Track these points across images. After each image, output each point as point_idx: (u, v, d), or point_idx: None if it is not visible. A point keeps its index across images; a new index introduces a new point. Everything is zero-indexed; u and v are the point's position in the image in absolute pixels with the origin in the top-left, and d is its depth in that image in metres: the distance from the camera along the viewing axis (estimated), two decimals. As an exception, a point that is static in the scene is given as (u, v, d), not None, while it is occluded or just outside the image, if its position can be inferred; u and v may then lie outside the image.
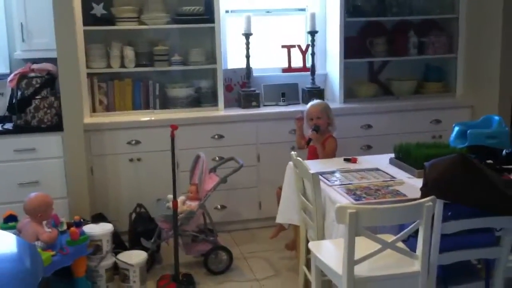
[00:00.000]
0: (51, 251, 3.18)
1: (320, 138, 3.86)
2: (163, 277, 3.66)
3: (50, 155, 4.00)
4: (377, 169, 3.33)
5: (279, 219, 3.58)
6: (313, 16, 4.69)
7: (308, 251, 2.98)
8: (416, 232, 2.44)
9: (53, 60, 3.99)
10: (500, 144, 3.24)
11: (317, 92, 4.74)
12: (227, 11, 4.78)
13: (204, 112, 4.51)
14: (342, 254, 2.38)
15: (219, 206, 4.44)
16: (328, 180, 3.12)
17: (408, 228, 2.40)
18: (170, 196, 3.62)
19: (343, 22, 4.62)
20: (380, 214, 2.39)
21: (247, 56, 4.61)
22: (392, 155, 3.47)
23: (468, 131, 3.28)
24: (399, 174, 3.22)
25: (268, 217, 4.17)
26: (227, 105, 4.60)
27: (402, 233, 2.41)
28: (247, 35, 4.57)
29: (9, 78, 4.05)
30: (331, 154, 3.85)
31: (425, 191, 2.50)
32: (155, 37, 4.53)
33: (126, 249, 3.84)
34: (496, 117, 3.45)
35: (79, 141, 4.03)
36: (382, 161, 3.48)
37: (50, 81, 4.07)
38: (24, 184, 3.95)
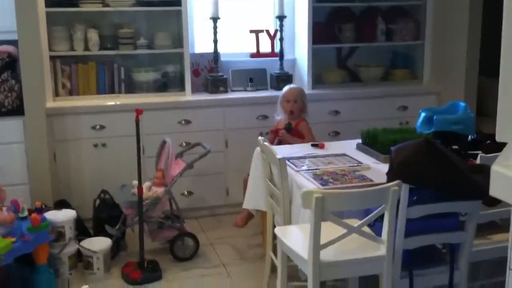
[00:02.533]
0: (11, 238, 3.09)
1: (288, 136, 3.85)
2: (128, 264, 3.60)
3: (11, 140, 3.88)
4: (344, 155, 3.32)
5: (246, 205, 3.55)
6: (281, 1, 4.65)
7: (274, 237, 2.95)
8: (382, 217, 2.44)
9: (14, 43, 3.86)
10: (465, 130, 3.26)
11: (286, 78, 4.71)
12: (194, -6, 4.71)
13: (170, 97, 4.44)
14: (308, 239, 2.36)
15: (186, 192, 4.39)
16: (295, 166, 3.10)
17: (374, 213, 2.40)
18: (135, 182, 3.56)
19: (311, 7, 4.59)
20: (346, 198, 2.38)
21: (215, 41, 4.55)
22: (360, 140, 3.47)
23: (434, 117, 3.29)
24: (366, 159, 3.22)
25: (236, 203, 4.14)
26: (194, 90, 4.54)
27: (367, 217, 2.40)
28: (215, 19, 4.50)
29: (-33, 61, 3.90)
30: (311, 137, 3.86)
31: (391, 175, 2.49)
32: (120, 20, 4.43)
33: (90, 236, 3.78)
34: (462, 103, 3.47)
35: (41, 126, 3.92)
36: (350, 146, 3.48)
37: (11, 64, 3.94)
38: (-17, 169, 3.83)
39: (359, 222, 2.41)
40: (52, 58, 4.22)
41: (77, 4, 4.21)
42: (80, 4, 4.21)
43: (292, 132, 3.90)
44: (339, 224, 2.38)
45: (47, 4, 4.09)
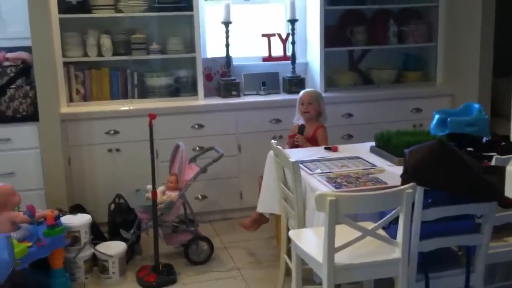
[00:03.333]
0: (28, 242, 3.12)
1: (304, 140, 3.84)
2: (143, 267, 3.62)
3: (26, 146, 3.92)
4: (358, 157, 3.31)
5: (260, 209, 3.56)
6: (293, 5, 4.66)
7: (289, 240, 2.95)
8: (396, 219, 2.43)
9: (28, 49, 3.90)
10: (479, 131, 3.23)
11: (298, 81, 4.71)
12: (206, -1, 4.73)
13: (183, 101, 4.46)
14: (322, 242, 2.35)
15: (199, 196, 4.40)
16: (309, 169, 3.10)
17: (388, 215, 2.39)
18: (149, 187, 3.57)
19: (323, 10, 4.59)
20: (360, 201, 2.38)
21: (227, 45, 4.57)
22: (373, 143, 3.45)
23: (448, 119, 3.27)
24: (380, 162, 3.21)
25: (249, 207, 4.14)
26: (207, 94, 4.55)
27: (382, 220, 2.40)
28: (227, 24, 4.52)
29: (-18, 67, 3.95)
30: (325, 144, 3.84)
31: (405, 178, 2.48)
32: (132, 25, 4.46)
33: (105, 240, 3.79)
34: (476, 105, 3.45)
35: (55, 131, 3.95)
36: (363, 149, 3.47)
37: (25, 70, 3.98)
38: (-1, 175, 3.87)
39: (374, 225, 2.41)
40: (66, 64, 4.26)
41: (90, 10, 4.25)
42: (93, 10, 4.25)
43: (308, 137, 3.88)
44: (354, 227, 2.37)
45: (60, 11, 4.13)
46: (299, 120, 3.99)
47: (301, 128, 3.90)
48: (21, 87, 3.93)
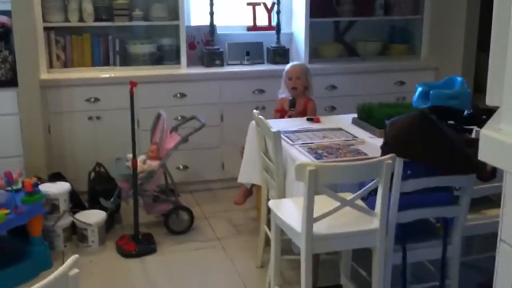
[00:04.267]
0: (5, 210, 3.08)
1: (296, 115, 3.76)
2: (123, 236, 3.61)
3: (4, 112, 3.82)
4: (340, 129, 3.30)
5: (241, 179, 3.55)
6: (279, -27, 4.59)
7: (269, 210, 2.95)
8: (375, 191, 2.43)
9: (8, 13, 3.80)
10: (462, 105, 3.23)
11: (282, 52, 4.67)
12: (191, -34, 4.64)
13: (166, 70, 4.40)
14: (301, 212, 2.35)
15: (181, 166, 4.38)
16: (290, 139, 3.08)
17: (367, 186, 2.39)
18: (130, 155, 3.54)
19: (309, -20, 4.53)
20: (339, 171, 2.37)
21: (211, 13, 4.49)
22: (355, 115, 3.44)
23: (431, 92, 3.27)
24: (361, 133, 3.21)
25: (231, 177, 4.12)
26: (190, 63, 4.49)
27: (361, 191, 2.39)
28: (211, -9, 4.44)
29: (-41, 31, 3.85)
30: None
31: (385, 149, 2.48)
32: (115, -9, 4.36)
33: (85, 209, 3.77)
34: (459, 78, 3.44)
35: (35, 98, 3.89)
36: (345, 121, 3.46)
37: (4, 34, 3.87)
38: (-24, 141, 3.81)
39: (353, 195, 2.41)
40: (46, 29, 4.17)
41: (72, -26, 4.15)
42: (75, -26, 4.15)
43: (298, 112, 3.82)
44: (333, 197, 2.37)
45: (41, -26, 4.03)
46: (283, 93, 3.93)
47: (293, 102, 3.78)
48: (0, 51, 3.84)
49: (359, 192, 2.40)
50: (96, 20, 4.25)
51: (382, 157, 2.37)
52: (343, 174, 2.39)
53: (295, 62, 4.10)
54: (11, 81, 3.84)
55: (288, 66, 3.97)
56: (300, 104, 3.85)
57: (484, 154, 1.18)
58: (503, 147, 1.14)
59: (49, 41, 4.22)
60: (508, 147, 1.12)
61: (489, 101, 1.18)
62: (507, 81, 1.13)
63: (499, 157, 1.16)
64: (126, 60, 4.41)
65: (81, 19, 4.24)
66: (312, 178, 2.27)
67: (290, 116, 3.73)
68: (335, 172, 2.36)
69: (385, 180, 2.37)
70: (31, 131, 3.89)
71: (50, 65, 4.24)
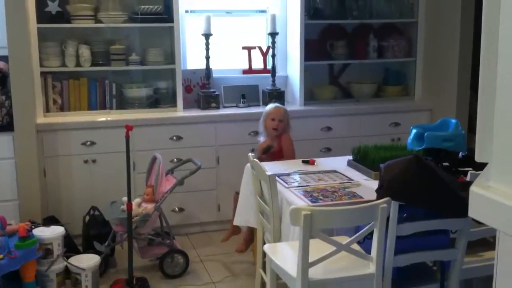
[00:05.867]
0: (-2, 255, 3.05)
1: (270, 159, 3.74)
2: (117, 281, 3.56)
3: (0, 156, 3.85)
4: (335, 171, 3.30)
5: (237, 221, 3.53)
6: (273, 18, 4.66)
7: (264, 254, 2.92)
8: (372, 234, 2.41)
9: (5, 58, 3.84)
10: (456, 146, 3.24)
11: (278, 94, 4.71)
12: (186, 11, 4.71)
13: (162, 113, 4.43)
14: (297, 256, 2.33)
15: (176, 209, 4.36)
16: (286, 182, 3.08)
17: (363, 230, 2.38)
18: (125, 199, 3.52)
19: (303, 24, 4.60)
20: (334, 215, 2.36)
21: (207, 57, 4.55)
22: (351, 157, 3.45)
23: (425, 134, 3.28)
24: (357, 176, 3.21)
25: (227, 220, 4.11)
26: (186, 106, 4.53)
27: (356, 235, 2.38)
28: (207, 36, 4.50)
29: (-43, 76, 3.88)
30: (291, 151, 3.83)
31: (380, 192, 2.48)
32: (112, 36, 4.43)
33: (79, 253, 3.73)
34: (453, 120, 3.46)
35: (31, 142, 3.89)
36: (340, 163, 3.47)
37: (1, 80, 3.91)
38: (-29, 185, 3.80)
39: (348, 240, 2.39)
40: (43, 74, 4.21)
41: (69, 20, 4.21)
42: (72, 20, 4.21)
43: (277, 151, 3.84)
44: (328, 241, 2.35)
45: (39, 20, 4.09)
46: (261, 136, 3.93)
47: (268, 149, 3.80)
48: (-4, 96, 3.88)
49: (354, 236, 2.38)
50: (93, 65, 4.30)
51: (378, 201, 2.37)
52: (338, 218, 2.38)
53: (277, 104, 4.07)
54: (7, 126, 3.86)
55: (270, 107, 3.96)
56: (275, 142, 3.86)
57: (474, 212, 1.17)
58: (493, 204, 1.12)
59: (46, 86, 4.25)
60: (497, 205, 1.11)
61: (478, 157, 1.18)
62: (495, 138, 1.13)
63: (489, 215, 1.15)
64: (123, 103, 4.44)
65: (78, 64, 4.28)
66: (307, 222, 2.26)
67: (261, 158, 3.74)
68: (330, 216, 2.35)
69: (380, 224, 2.36)
70: (27, 175, 3.89)
71: (47, 109, 4.26)
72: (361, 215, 2.37)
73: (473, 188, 1.16)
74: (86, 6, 4.23)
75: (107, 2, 4.27)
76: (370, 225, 2.37)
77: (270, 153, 3.82)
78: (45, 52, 4.21)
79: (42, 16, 4.13)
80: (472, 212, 1.18)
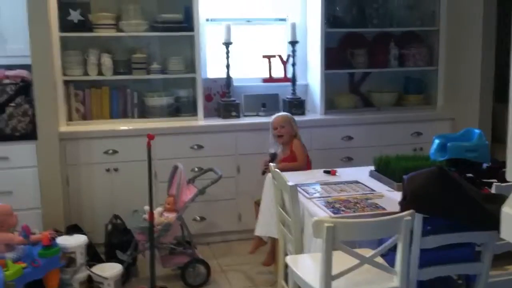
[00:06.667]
0: (22, 263, 3.08)
1: (278, 164, 3.78)
2: (139, 290, 3.58)
3: (24, 164, 3.90)
4: (357, 182, 3.29)
5: (258, 232, 3.53)
6: (293, 26, 4.66)
7: (286, 265, 2.91)
8: (395, 247, 2.39)
9: (27, 67, 3.89)
10: (480, 157, 3.20)
11: (298, 103, 4.70)
12: (207, 20, 4.73)
13: (183, 121, 4.44)
14: (319, 269, 2.32)
15: (198, 218, 4.36)
16: (307, 193, 3.07)
17: (387, 243, 2.36)
18: (147, 208, 3.54)
19: (323, 32, 4.60)
20: (357, 228, 2.35)
21: (227, 66, 4.56)
22: (373, 167, 3.43)
23: (448, 144, 3.24)
24: (379, 187, 3.19)
25: (248, 229, 4.10)
26: (207, 115, 4.54)
27: (380, 248, 2.36)
28: (227, 44, 4.52)
29: (-18, 85, 3.94)
30: (303, 157, 3.84)
31: (404, 205, 2.46)
32: (133, 45, 4.47)
33: (101, 261, 3.75)
34: (477, 130, 3.42)
35: (53, 150, 3.93)
36: (362, 173, 3.44)
37: (24, 88, 3.97)
38: (-4, 194, 3.85)
39: (372, 252, 2.37)
40: (66, 82, 4.26)
41: (92, 29, 4.25)
42: (94, 29, 4.25)
43: (287, 156, 3.88)
44: (351, 254, 2.34)
45: (61, 29, 4.14)
46: (272, 147, 3.97)
47: (273, 156, 3.88)
48: (20, 105, 3.92)
49: (378, 249, 2.37)
50: (114, 73, 4.34)
51: (401, 214, 2.35)
52: (361, 231, 2.36)
53: (278, 113, 4.12)
54: (30, 134, 3.91)
55: (272, 118, 4.04)
56: (287, 148, 3.91)
57: (507, 233, 1.15)
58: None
59: (68, 94, 4.30)
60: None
61: (510, 176, 1.16)
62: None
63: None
64: (144, 112, 4.47)
65: (100, 73, 4.32)
66: (330, 235, 2.25)
67: (264, 172, 3.76)
68: (353, 229, 2.34)
69: (404, 236, 2.34)
70: (50, 184, 3.93)
71: (69, 118, 4.30)
72: (385, 227, 2.35)
73: (505, 209, 1.14)
74: (107, 15, 4.27)
75: (128, 11, 4.31)
76: (394, 238, 2.35)
77: (282, 160, 3.86)
78: (67, 60, 4.26)
79: (65, 25, 4.18)
80: (505, 233, 1.16)
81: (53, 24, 4.05)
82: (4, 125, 3.89)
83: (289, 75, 4.80)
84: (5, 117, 3.89)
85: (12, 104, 3.90)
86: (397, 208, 2.58)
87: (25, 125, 3.94)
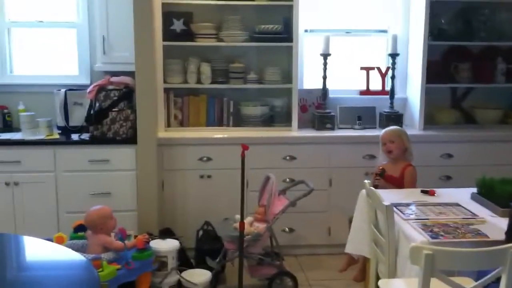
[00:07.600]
0: (117, 265, 3.18)
1: (385, 184, 3.73)
2: (226, 298, 3.60)
3: (123, 167, 4.05)
4: (457, 204, 3.12)
5: (349, 249, 3.44)
6: (395, 38, 4.54)
7: (377, 287, 2.82)
8: (498, 279, 2.24)
9: (131, 74, 4.04)
10: None
11: (395, 117, 4.56)
12: (306, 31, 4.71)
13: (277, 132, 4.44)
14: (414, 296, 2.22)
15: (287, 229, 4.34)
16: (403, 213, 2.96)
17: (490, 275, 2.21)
18: (238, 217, 3.56)
19: (426, 45, 4.43)
20: (458, 257, 2.22)
21: (324, 77, 4.51)
22: (474, 189, 3.25)
23: (561, 170, 3.03)
24: (481, 211, 3.01)
25: (337, 244, 4.01)
26: (301, 126, 4.50)
27: (482, 280, 2.22)
28: (325, 56, 4.46)
29: (88, 90, 4.13)
30: (413, 187, 3.69)
31: (510, 235, 2.30)
32: (232, 54, 4.52)
33: (191, 266, 3.82)
34: None
35: (151, 155, 4.05)
36: (463, 195, 3.27)
37: (127, 94, 4.13)
38: (96, 194, 4.02)
39: (473, 285, 2.24)
40: (166, 89, 4.38)
41: (193, 38, 4.35)
42: (196, 38, 4.35)
43: (396, 177, 3.76)
44: (450, 284, 2.21)
45: (165, 38, 4.26)
46: (383, 161, 3.90)
47: (382, 172, 3.79)
48: (122, 110, 4.08)
49: (480, 281, 2.23)
50: (212, 82, 4.41)
51: (507, 245, 2.19)
52: (462, 260, 2.23)
53: (389, 127, 4.02)
54: (131, 139, 4.05)
55: (381, 132, 3.95)
56: (398, 168, 3.78)
57: None
58: None
59: (168, 101, 4.42)
60: None
61: None
62: None
63: None
64: (239, 121, 4.51)
65: (198, 81, 4.41)
66: (428, 262, 2.14)
67: (375, 186, 3.61)
68: (454, 258, 2.21)
69: (509, 269, 2.19)
70: (146, 187, 4.05)
71: (168, 124, 4.42)
72: (488, 258, 2.20)
73: None
74: (209, 25, 4.35)
75: (228, 21, 4.36)
76: (497, 270, 2.20)
77: (387, 178, 3.73)
78: (168, 69, 4.37)
79: (168, 34, 4.30)
80: None
81: (157, 33, 4.17)
82: (107, 129, 4.06)
83: (388, 88, 4.68)
84: (108, 121, 4.05)
85: (115, 109, 4.06)
86: (500, 236, 2.43)
87: (126, 129, 4.09)
